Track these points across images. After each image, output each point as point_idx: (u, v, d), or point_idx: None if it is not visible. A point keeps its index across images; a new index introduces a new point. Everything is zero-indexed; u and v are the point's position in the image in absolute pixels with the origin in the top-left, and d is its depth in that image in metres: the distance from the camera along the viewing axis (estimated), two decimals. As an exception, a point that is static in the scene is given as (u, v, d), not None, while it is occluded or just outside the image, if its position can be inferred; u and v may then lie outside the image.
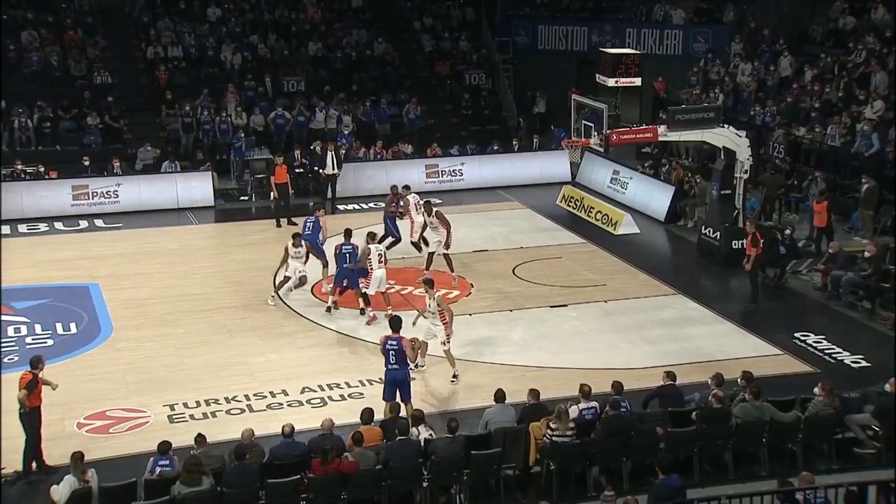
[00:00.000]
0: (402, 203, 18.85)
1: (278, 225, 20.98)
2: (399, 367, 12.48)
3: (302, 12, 29.73)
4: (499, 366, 14.52)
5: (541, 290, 17.58)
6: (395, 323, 12.79)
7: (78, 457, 10.37)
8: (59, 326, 15.89)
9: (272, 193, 21.70)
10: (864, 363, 14.60)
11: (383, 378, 12.67)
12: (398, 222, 19.03)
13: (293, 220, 21.47)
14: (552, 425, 11.23)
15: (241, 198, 23.71)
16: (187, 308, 16.69)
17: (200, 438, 10.86)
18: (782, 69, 25.60)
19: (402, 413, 11.91)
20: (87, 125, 24.79)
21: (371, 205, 22.71)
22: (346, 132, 25.35)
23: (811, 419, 11.79)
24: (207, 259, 19.51)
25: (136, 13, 28.58)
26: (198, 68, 27.47)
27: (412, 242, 18.54)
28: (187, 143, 25.33)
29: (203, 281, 17.98)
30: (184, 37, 28.00)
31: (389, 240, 18.70)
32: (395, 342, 12.53)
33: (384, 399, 12.46)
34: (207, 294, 17.30)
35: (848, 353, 14.87)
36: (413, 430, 11.29)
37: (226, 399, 13.43)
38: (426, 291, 14.16)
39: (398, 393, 12.47)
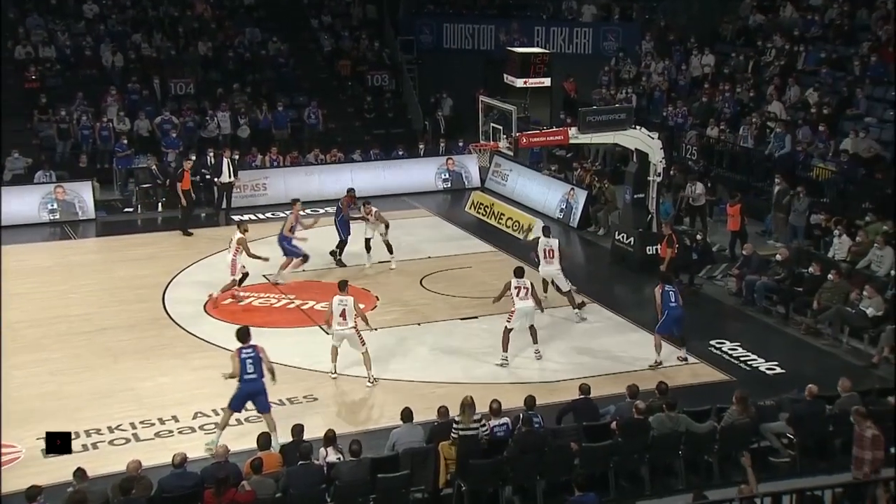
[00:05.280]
0: (362, 211, 18.96)
1: (189, 234, 20.67)
2: (256, 376, 12.38)
3: (189, 9, 29.29)
4: (406, 382, 14.55)
5: (450, 301, 17.69)
6: (243, 334, 12.71)
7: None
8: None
9: (180, 201, 21.45)
10: (778, 370, 15.11)
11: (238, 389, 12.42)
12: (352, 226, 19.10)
13: (189, 230, 21.19)
14: (456, 419, 11.37)
15: (126, 209, 23.21)
16: (65, 330, 16.23)
17: (80, 472, 10.53)
18: (693, 68, 26.38)
19: (335, 434, 11.71)
20: (-50, 132, 23.92)
21: (269, 215, 22.45)
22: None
23: (727, 429, 12.15)
24: (88, 276, 18.95)
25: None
26: (74, 70, 26.79)
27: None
28: (63, 151, 24.66)
29: (83, 300, 17.50)
30: (56, 35, 27.27)
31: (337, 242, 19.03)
32: (249, 350, 12.46)
33: (230, 408, 12.42)
34: (89, 314, 16.85)
35: (763, 360, 15.37)
36: (322, 450, 11.24)
37: (109, 428, 13.10)
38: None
39: (254, 405, 12.43)
